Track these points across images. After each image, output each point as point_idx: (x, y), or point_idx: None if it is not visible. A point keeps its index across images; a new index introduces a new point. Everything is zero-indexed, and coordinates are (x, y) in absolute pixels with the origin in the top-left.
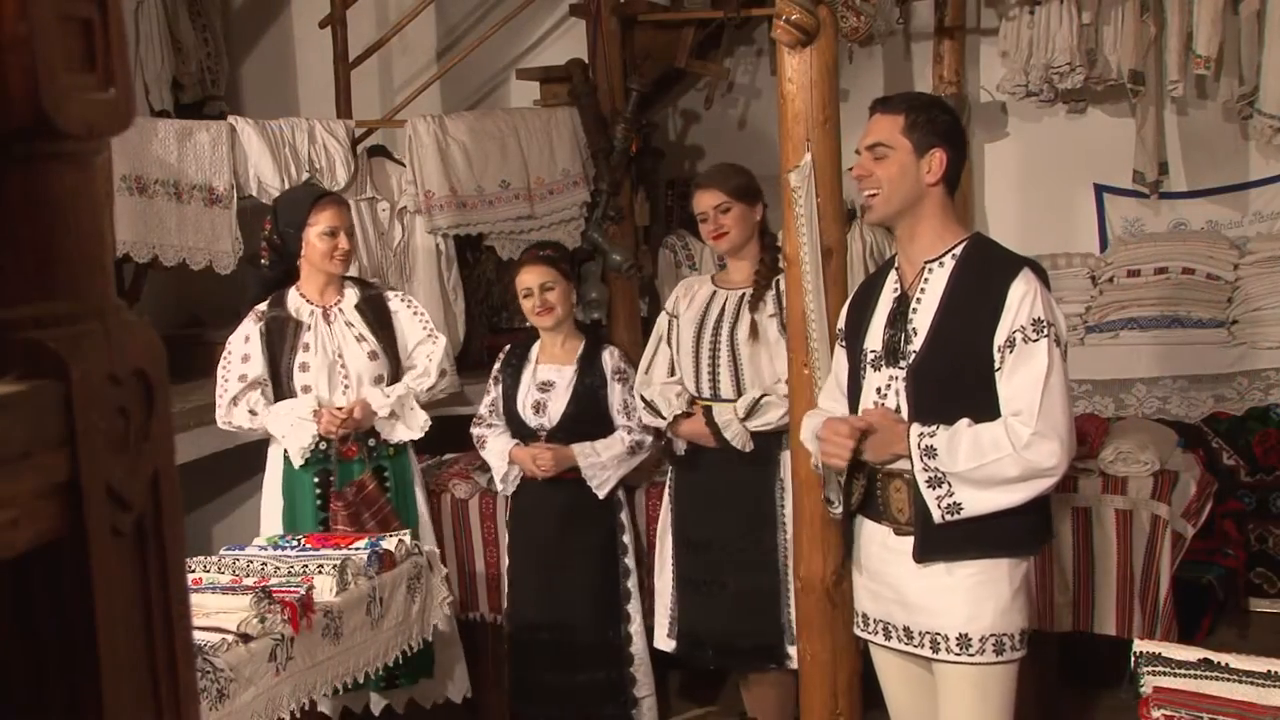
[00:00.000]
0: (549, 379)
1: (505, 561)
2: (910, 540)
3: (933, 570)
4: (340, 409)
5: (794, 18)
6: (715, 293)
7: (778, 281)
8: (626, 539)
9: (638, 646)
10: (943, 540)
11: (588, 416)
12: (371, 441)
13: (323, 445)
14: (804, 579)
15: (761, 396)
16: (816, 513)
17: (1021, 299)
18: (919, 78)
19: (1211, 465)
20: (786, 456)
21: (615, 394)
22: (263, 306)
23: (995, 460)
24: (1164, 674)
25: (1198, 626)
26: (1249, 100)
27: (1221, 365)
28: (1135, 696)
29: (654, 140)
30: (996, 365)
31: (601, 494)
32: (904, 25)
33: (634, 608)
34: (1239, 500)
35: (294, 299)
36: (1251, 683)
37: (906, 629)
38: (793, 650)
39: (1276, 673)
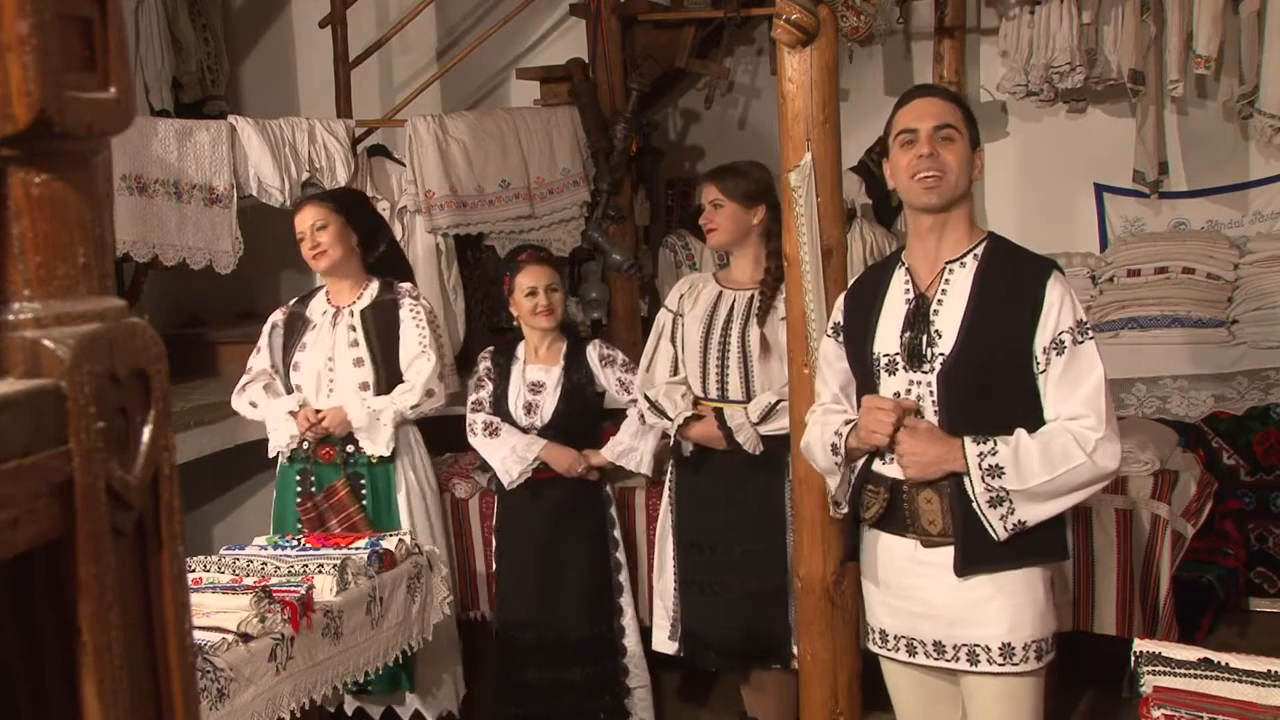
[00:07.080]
0: (538, 380)
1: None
2: (942, 551)
3: (973, 581)
4: (317, 412)
5: (794, 17)
6: (721, 293)
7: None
8: (616, 533)
9: (630, 639)
10: (987, 552)
11: (578, 413)
12: (350, 448)
13: (304, 445)
14: (804, 579)
15: (777, 402)
16: (817, 513)
17: (1061, 299)
18: (919, 77)
19: (1211, 465)
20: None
21: (611, 378)
22: (293, 301)
23: (1069, 470)
24: (1164, 674)
25: (1198, 626)
26: (1249, 100)
27: (1222, 365)
28: (1135, 696)
29: (654, 140)
30: (1040, 367)
31: (646, 470)
32: (904, 25)
33: (625, 600)
34: (1239, 500)
35: (319, 298)
36: (1251, 682)
37: (937, 643)
38: (797, 650)
39: (1276, 673)
